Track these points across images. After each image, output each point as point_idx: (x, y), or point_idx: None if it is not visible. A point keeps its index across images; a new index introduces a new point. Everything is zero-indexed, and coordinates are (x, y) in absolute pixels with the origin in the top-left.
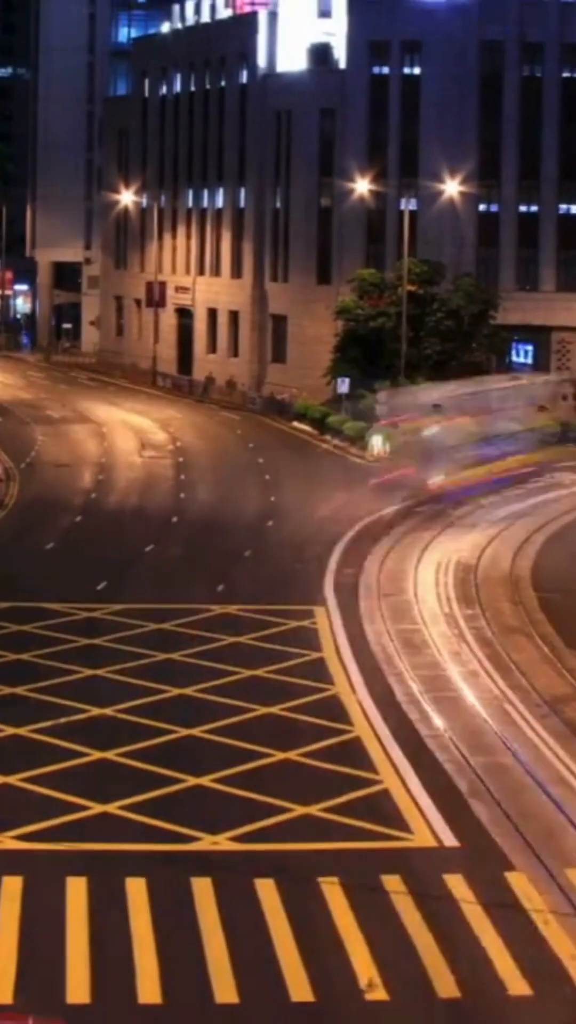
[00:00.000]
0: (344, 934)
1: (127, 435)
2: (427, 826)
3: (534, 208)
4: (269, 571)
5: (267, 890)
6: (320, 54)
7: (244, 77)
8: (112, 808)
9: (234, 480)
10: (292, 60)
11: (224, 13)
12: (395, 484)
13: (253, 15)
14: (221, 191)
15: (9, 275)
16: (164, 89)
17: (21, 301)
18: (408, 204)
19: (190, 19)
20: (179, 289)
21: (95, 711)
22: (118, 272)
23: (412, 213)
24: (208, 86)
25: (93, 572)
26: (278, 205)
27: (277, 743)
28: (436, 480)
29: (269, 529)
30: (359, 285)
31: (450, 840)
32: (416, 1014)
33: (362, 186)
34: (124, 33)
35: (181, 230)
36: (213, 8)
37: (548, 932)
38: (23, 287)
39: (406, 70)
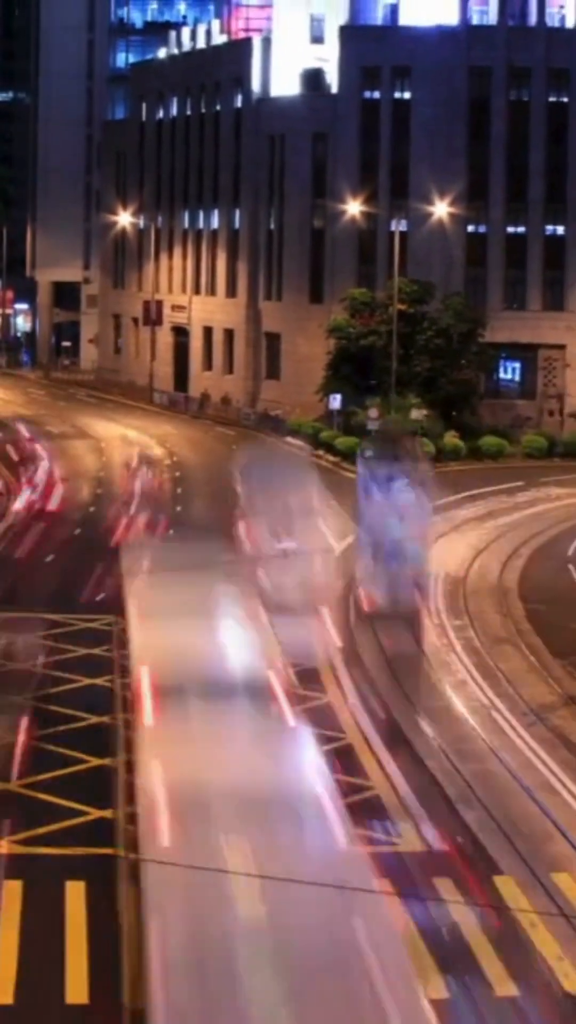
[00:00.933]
0: None
1: (125, 450)
2: (417, 831)
3: (521, 229)
4: None
5: None
6: (313, 79)
7: (239, 101)
8: (110, 814)
9: (228, 494)
10: (285, 85)
11: (219, 39)
12: None
13: (247, 41)
14: (216, 212)
15: (10, 295)
16: (161, 113)
17: (22, 320)
18: (398, 225)
19: (186, 45)
20: (175, 308)
21: (93, 719)
22: (116, 291)
23: (402, 234)
24: (204, 110)
25: (92, 584)
26: (272, 226)
27: None
28: None
29: None
30: (351, 304)
31: (439, 844)
32: None
33: (354, 208)
34: (122, 59)
35: (177, 250)
36: (209, 34)
37: (534, 934)
38: (23, 306)
39: (396, 95)
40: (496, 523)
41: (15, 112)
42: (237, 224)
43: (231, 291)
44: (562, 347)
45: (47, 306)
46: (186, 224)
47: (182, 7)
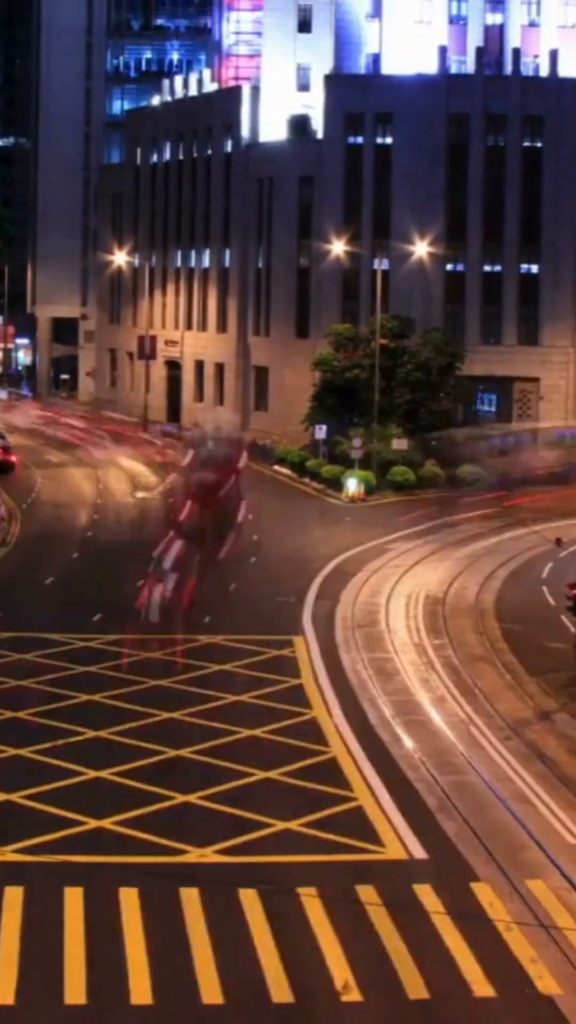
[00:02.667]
0: (321, 940)
1: (120, 477)
2: (398, 840)
3: (497, 268)
4: (252, 604)
5: (250, 899)
6: (299, 125)
7: (229, 146)
8: (107, 823)
9: None
10: (273, 131)
11: (210, 87)
12: None
13: (237, 89)
14: (207, 252)
15: (11, 330)
16: (155, 157)
17: (23, 354)
18: (381, 264)
19: (179, 92)
20: (168, 343)
21: (91, 733)
22: (112, 327)
23: (384, 272)
24: (195, 154)
25: (89, 605)
26: (260, 265)
27: (259, 763)
28: None
29: (252, 565)
30: (335, 339)
31: (419, 853)
32: (388, 1014)
33: (338, 247)
34: (118, 105)
35: (170, 288)
36: (200, 82)
37: (510, 938)
38: (24, 341)
39: (379, 140)
40: (474, 547)
41: (16, 156)
42: (227, 263)
43: (221, 326)
44: (536, 380)
45: (46, 341)
46: (179, 263)
47: (175, 56)
